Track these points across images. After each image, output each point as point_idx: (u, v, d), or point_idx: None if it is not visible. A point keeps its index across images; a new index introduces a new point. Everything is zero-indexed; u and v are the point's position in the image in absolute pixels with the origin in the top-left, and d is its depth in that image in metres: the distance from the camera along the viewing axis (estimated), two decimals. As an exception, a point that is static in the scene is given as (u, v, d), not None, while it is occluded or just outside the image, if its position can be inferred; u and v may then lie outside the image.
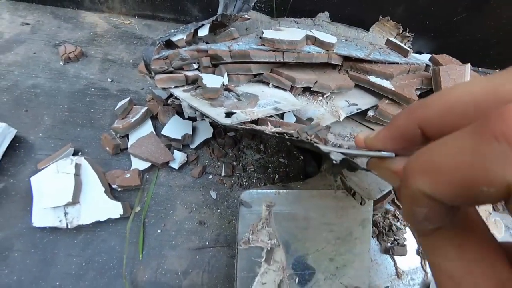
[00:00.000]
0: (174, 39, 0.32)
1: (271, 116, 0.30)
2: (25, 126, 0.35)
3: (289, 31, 0.37)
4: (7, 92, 0.38)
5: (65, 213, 0.29)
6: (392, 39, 0.43)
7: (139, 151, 0.33)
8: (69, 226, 0.28)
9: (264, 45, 0.34)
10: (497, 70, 0.56)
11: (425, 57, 0.49)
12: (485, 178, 0.09)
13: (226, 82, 0.34)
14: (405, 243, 0.30)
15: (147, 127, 0.36)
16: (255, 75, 0.36)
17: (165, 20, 0.50)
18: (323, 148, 0.20)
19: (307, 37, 0.36)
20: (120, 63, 0.44)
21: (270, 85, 0.37)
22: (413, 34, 0.48)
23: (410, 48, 0.49)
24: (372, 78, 0.38)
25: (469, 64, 0.40)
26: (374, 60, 0.38)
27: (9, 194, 0.31)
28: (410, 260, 0.30)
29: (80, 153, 0.34)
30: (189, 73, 0.32)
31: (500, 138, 0.08)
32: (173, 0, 0.47)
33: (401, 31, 0.49)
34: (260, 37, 0.36)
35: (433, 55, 0.47)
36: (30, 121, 0.36)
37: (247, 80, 0.36)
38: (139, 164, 0.33)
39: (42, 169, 0.30)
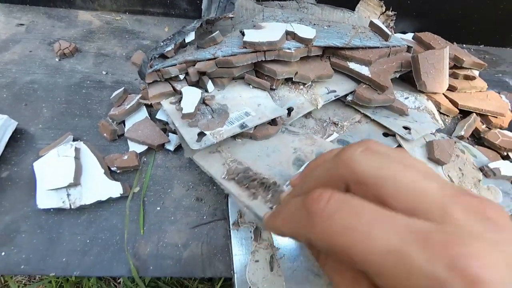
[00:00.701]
0: (165, 51, 0.34)
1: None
2: (25, 119, 0.37)
3: (270, 28, 0.38)
4: (6, 89, 0.40)
5: (68, 194, 0.30)
6: (376, 20, 0.44)
7: (136, 135, 0.34)
8: (72, 207, 0.30)
9: (245, 47, 0.36)
10: (481, 46, 0.57)
11: (409, 37, 0.51)
12: (297, 233, 0.15)
13: (211, 89, 0.36)
14: None
15: (142, 113, 0.37)
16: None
17: (155, 15, 0.52)
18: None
19: (287, 33, 0.37)
20: (113, 57, 0.45)
21: (251, 86, 0.38)
22: (395, 13, 0.50)
23: (393, 28, 0.50)
24: (352, 65, 0.40)
25: (447, 47, 0.41)
26: (354, 47, 0.40)
27: (14, 181, 0.32)
28: None
29: (79, 141, 0.36)
30: (177, 85, 0.35)
31: (306, 209, 0.14)
32: None
33: (384, 10, 0.50)
34: (242, 33, 0.37)
35: (416, 33, 0.49)
36: (30, 114, 0.38)
37: (230, 81, 0.38)
38: (136, 148, 0.35)
39: (44, 155, 0.32)
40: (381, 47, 0.41)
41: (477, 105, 0.42)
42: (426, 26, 0.54)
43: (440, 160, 0.32)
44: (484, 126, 0.42)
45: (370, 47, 0.41)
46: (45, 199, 0.30)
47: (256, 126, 0.33)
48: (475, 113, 0.43)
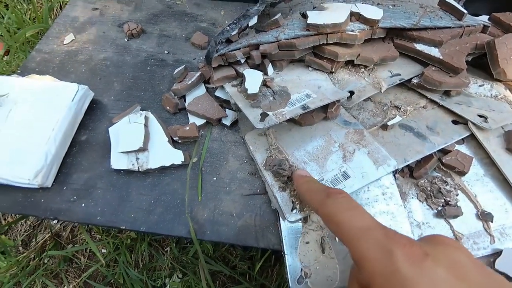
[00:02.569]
0: (231, 35, 0.35)
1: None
2: (99, 91, 0.41)
3: (333, 9, 0.37)
4: (85, 64, 0.44)
5: (137, 158, 0.33)
6: (450, 0, 0.40)
7: (196, 108, 0.36)
8: (139, 169, 0.33)
9: (309, 30, 0.35)
10: None
11: (483, 20, 0.45)
12: (310, 202, 0.24)
13: (271, 72, 0.36)
14: (458, 204, 0.29)
15: (201, 89, 0.39)
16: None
17: (211, -1, 0.54)
18: None
19: (352, 13, 0.36)
20: (174, 38, 0.48)
21: (310, 68, 0.37)
22: (471, -7, 0.45)
23: (464, 8, 0.46)
24: (419, 46, 0.37)
25: None
26: (422, 27, 0.37)
27: (91, 144, 0.36)
28: (470, 224, 0.28)
29: (148, 111, 0.39)
30: (239, 68, 0.36)
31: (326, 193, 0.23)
32: None
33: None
34: (303, 15, 0.36)
35: (493, 13, 0.43)
36: (103, 86, 0.42)
37: (288, 64, 0.38)
38: (195, 121, 0.36)
39: (117, 122, 0.35)
40: (453, 27, 0.38)
41: None
42: (504, 7, 0.48)
43: None
44: None
45: (440, 27, 0.37)
46: (118, 161, 0.33)
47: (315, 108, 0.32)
48: None
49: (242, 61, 0.36)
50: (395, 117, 0.33)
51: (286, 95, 0.33)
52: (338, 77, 0.38)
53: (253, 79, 0.33)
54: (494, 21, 0.43)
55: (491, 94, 0.36)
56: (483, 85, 0.37)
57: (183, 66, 0.40)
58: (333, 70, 0.38)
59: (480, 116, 0.32)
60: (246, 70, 0.35)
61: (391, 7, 0.40)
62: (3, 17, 0.71)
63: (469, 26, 0.38)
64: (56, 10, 0.74)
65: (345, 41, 0.36)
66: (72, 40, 0.47)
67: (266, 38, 0.35)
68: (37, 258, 0.51)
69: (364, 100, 0.37)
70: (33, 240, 0.52)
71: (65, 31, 0.49)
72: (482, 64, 0.39)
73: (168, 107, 0.38)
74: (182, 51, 0.46)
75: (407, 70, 0.37)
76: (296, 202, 0.29)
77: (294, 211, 0.29)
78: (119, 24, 0.50)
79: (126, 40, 0.47)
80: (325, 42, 0.36)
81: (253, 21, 0.37)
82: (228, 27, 0.35)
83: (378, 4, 0.40)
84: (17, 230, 0.54)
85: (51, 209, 0.32)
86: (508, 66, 0.36)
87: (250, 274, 0.48)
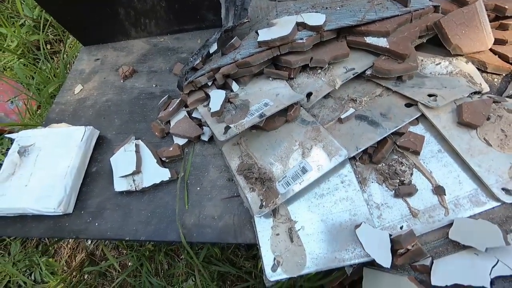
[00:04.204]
0: (195, 64, 0.41)
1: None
2: (104, 128, 0.49)
3: (281, 23, 0.41)
4: (91, 108, 0.53)
5: (133, 180, 0.39)
6: None
7: (178, 130, 0.42)
8: (137, 189, 0.39)
9: (261, 46, 0.39)
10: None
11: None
12: None
13: (236, 88, 0.41)
14: (413, 182, 0.30)
15: (182, 113, 0.45)
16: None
17: (189, 30, 0.61)
18: None
19: (298, 24, 0.40)
20: (160, 72, 0.55)
21: (271, 79, 0.42)
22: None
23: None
24: (369, 39, 0.39)
25: (480, 0, 0.36)
26: (369, 21, 0.39)
27: (100, 174, 0.44)
28: (426, 199, 0.29)
29: (139, 140, 0.45)
30: (208, 90, 0.42)
31: None
32: (192, 12, 0.57)
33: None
34: (257, 32, 0.41)
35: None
36: (107, 124, 0.50)
37: (251, 78, 0.42)
38: (179, 141, 0.42)
39: (116, 152, 0.42)
40: (400, 15, 0.40)
41: (534, 56, 0.36)
42: None
43: (470, 123, 0.30)
44: (545, 80, 0.35)
45: (388, 17, 0.40)
46: (119, 184, 0.40)
47: (272, 115, 0.36)
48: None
49: (210, 83, 0.42)
50: (349, 109, 0.36)
51: (246, 108, 0.37)
52: (298, 81, 0.42)
53: (216, 99, 0.38)
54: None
55: (447, 71, 0.37)
56: (440, 63, 0.38)
57: (167, 95, 0.47)
58: (292, 76, 0.41)
59: (430, 95, 0.34)
60: (212, 91, 0.40)
61: (338, 8, 0.43)
62: (33, 78, 0.86)
63: (418, 10, 0.40)
64: (69, 65, 0.87)
65: (296, 49, 0.40)
66: (81, 89, 0.57)
67: (225, 60, 0.40)
68: (78, 275, 0.60)
69: (325, 97, 0.40)
70: (74, 260, 0.62)
71: (75, 83, 0.58)
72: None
73: (156, 133, 0.44)
74: (167, 82, 0.53)
75: (361, 63, 0.40)
76: (263, 200, 0.33)
77: (262, 208, 0.33)
78: (116, 68, 0.59)
79: (122, 81, 0.56)
80: (279, 54, 0.40)
81: (214, 48, 0.42)
82: (191, 58, 0.41)
83: (326, 8, 0.44)
84: (61, 254, 0.65)
85: (73, 230, 0.39)
86: (461, 41, 0.37)
87: (255, 272, 0.52)
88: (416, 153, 0.32)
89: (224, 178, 0.39)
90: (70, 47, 0.92)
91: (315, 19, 0.39)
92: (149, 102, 0.51)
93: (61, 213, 0.39)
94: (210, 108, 0.37)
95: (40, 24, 0.90)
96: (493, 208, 0.27)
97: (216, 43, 0.42)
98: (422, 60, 0.39)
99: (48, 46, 0.96)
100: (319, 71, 0.41)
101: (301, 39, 0.39)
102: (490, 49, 0.39)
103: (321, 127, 0.36)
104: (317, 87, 0.40)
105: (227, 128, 0.36)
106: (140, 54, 0.60)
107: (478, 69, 0.38)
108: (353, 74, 0.39)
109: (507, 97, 0.34)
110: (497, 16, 0.39)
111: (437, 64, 0.38)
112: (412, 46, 0.38)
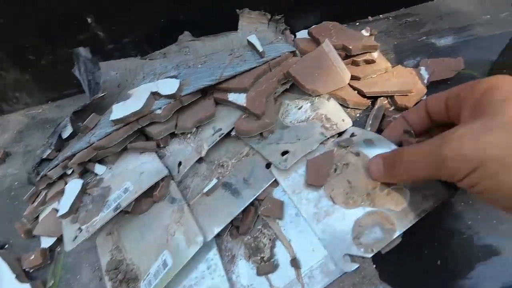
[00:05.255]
0: (44, 156, 0.37)
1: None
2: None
3: (136, 94, 0.38)
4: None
5: (-12, 306, 0.34)
6: (252, 36, 0.41)
7: (43, 229, 0.37)
8: (-6, 316, 0.33)
9: (116, 124, 0.36)
10: (401, 9, 0.50)
11: (304, 34, 0.47)
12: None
13: (102, 171, 0.37)
14: (274, 255, 0.29)
15: (49, 208, 0.40)
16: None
17: (71, 95, 0.56)
18: None
19: (153, 94, 0.37)
20: (37, 150, 0.49)
21: (140, 151, 0.38)
22: (282, 15, 0.47)
23: (286, 30, 0.47)
24: (231, 96, 0.38)
25: (326, 41, 0.37)
26: (228, 78, 0.38)
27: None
28: (285, 275, 0.27)
29: (6, 245, 0.39)
30: (68, 179, 0.37)
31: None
32: (70, 76, 0.52)
33: (270, 17, 0.47)
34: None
35: (309, 30, 0.45)
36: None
37: (119, 155, 0.39)
38: (47, 241, 0.37)
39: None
40: (258, 66, 0.39)
41: (381, 88, 0.38)
42: (334, 9, 0.49)
43: (313, 185, 0.29)
44: (392, 109, 0.37)
45: (246, 71, 0.39)
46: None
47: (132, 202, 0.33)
48: (385, 97, 0.38)
49: (69, 172, 0.37)
50: (212, 179, 0.34)
51: (103, 199, 0.34)
52: (171, 148, 0.39)
53: (69, 194, 0.34)
54: (310, 36, 0.45)
55: (306, 117, 0.36)
56: (302, 106, 0.38)
57: (34, 187, 0.41)
58: (162, 145, 0.39)
59: (284, 152, 0.33)
60: (68, 184, 0.36)
61: (200, 66, 0.41)
62: None
63: (275, 58, 0.40)
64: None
65: (155, 120, 0.37)
66: None
67: (80, 145, 0.37)
68: None
69: (199, 162, 0.38)
70: None
71: None
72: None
73: (22, 235, 0.39)
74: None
75: (229, 121, 0.38)
76: None
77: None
78: (-13, 154, 0.51)
79: (-8, 169, 0.49)
80: (140, 127, 0.37)
81: (67, 132, 0.38)
82: (39, 151, 0.37)
83: (189, 66, 0.42)
84: None
85: None
86: (316, 83, 0.37)
87: None
88: (279, 219, 0.31)
89: (97, 278, 0.34)
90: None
91: (169, 87, 0.37)
92: (22, 192, 0.45)
93: None
94: (57, 211, 0.33)
95: None
96: (341, 276, 0.26)
97: (70, 126, 0.38)
98: (287, 105, 0.39)
99: None
100: (189, 135, 0.39)
101: (160, 108, 0.37)
102: (350, 85, 0.40)
103: (185, 207, 0.33)
104: (187, 154, 0.37)
105: (79, 230, 0.32)
106: (16, 131, 0.53)
107: (342, 105, 0.38)
108: (220, 136, 0.37)
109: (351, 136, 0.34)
110: (347, 54, 0.40)
111: (299, 109, 0.38)
112: (270, 100, 0.37)
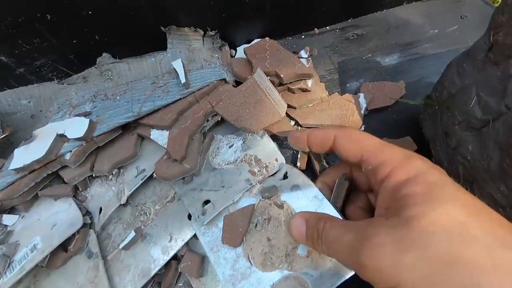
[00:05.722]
0: None
1: None
2: None
3: (41, 137, 0.33)
4: None
5: None
6: (177, 62, 0.37)
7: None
8: None
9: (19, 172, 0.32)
10: (349, 20, 0.47)
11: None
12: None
13: (13, 220, 0.33)
14: None
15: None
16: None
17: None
18: None
19: (60, 136, 0.33)
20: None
21: (53, 199, 0.35)
22: (216, 31, 0.42)
23: (223, 46, 0.43)
24: (153, 133, 0.34)
25: (258, 71, 0.34)
26: (148, 113, 0.34)
27: None
28: None
29: None
30: None
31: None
32: None
33: (204, 33, 0.42)
34: None
35: (245, 49, 0.41)
36: None
37: (32, 202, 0.35)
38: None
39: None
40: (183, 98, 0.35)
41: (317, 120, 0.35)
42: (277, 22, 0.45)
43: (228, 244, 0.27)
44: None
45: (169, 104, 0.35)
46: None
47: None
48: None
49: (-27, 227, 0.33)
50: (130, 233, 0.31)
51: (6, 259, 0.30)
52: (92, 191, 0.36)
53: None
54: (247, 55, 0.41)
55: (234, 158, 0.34)
56: (233, 144, 0.35)
57: None
58: (80, 189, 0.35)
59: (206, 202, 0.31)
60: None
61: (118, 97, 0.37)
62: None
63: (203, 88, 0.36)
64: None
65: (65, 164, 0.33)
66: None
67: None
68: None
69: (124, 206, 0.35)
70: None
71: None
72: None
73: None
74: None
75: (154, 160, 0.35)
76: None
77: None
78: None
79: None
80: (45, 175, 0.33)
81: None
82: None
83: (107, 97, 0.37)
84: None
85: None
86: (249, 120, 0.34)
87: None
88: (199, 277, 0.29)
89: None
90: None
91: (77, 128, 0.32)
92: None
93: None
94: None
95: None
96: None
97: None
98: (220, 141, 0.36)
99: None
100: (110, 177, 0.36)
101: (70, 151, 0.33)
102: (287, 114, 0.37)
103: (100, 264, 0.30)
104: (107, 200, 0.34)
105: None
106: None
107: (278, 139, 0.36)
108: (142, 179, 0.34)
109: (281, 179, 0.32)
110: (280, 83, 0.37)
111: (230, 147, 0.35)
112: (195, 138, 0.34)
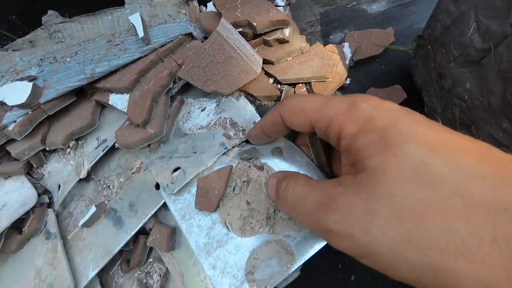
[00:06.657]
0: None
1: None
2: None
3: None
4: None
5: None
6: (135, 16, 0.32)
7: None
8: None
9: None
10: None
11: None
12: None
13: None
14: None
15: None
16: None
17: None
18: None
19: (0, 105, 0.28)
20: None
21: (6, 177, 0.30)
22: (181, -17, 0.37)
23: (193, 0, 0.38)
24: (112, 98, 0.30)
25: (222, 21, 0.29)
26: (103, 75, 0.29)
27: None
28: None
29: None
30: None
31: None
32: None
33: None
34: None
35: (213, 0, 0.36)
36: None
37: None
38: None
39: None
40: (143, 56, 0.31)
41: (296, 73, 0.31)
42: None
43: (201, 209, 0.24)
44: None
45: (127, 64, 0.30)
46: None
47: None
48: (303, 83, 0.32)
49: None
50: (91, 208, 0.28)
51: None
52: (49, 167, 0.32)
53: None
54: (215, 8, 0.36)
55: (207, 122, 0.30)
56: (205, 107, 0.31)
57: None
58: (35, 165, 0.31)
59: (176, 169, 0.27)
60: None
61: (69, 59, 0.32)
62: None
63: (166, 44, 0.31)
64: None
65: (11, 138, 0.29)
66: None
67: None
68: None
69: (86, 181, 0.31)
70: None
71: None
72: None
73: None
74: None
75: (116, 129, 0.31)
76: None
77: None
78: None
79: None
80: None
81: None
82: None
83: (56, 60, 0.32)
84: None
85: None
86: (219, 83, 0.30)
87: None
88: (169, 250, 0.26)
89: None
90: None
91: (18, 94, 0.28)
92: None
93: None
94: None
95: None
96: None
97: None
98: (191, 105, 0.32)
99: None
100: (68, 150, 0.31)
101: (15, 121, 0.29)
102: (264, 70, 0.33)
103: (59, 244, 0.27)
104: (65, 176, 0.30)
105: None
106: None
107: (256, 100, 0.32)
108: (103, 150, 0.30)
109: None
110: (255, 33, 0.32)
111: (202, 110, 0.31)
112: (161, 101, 0.30)
